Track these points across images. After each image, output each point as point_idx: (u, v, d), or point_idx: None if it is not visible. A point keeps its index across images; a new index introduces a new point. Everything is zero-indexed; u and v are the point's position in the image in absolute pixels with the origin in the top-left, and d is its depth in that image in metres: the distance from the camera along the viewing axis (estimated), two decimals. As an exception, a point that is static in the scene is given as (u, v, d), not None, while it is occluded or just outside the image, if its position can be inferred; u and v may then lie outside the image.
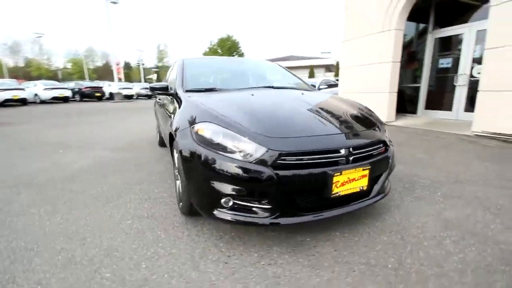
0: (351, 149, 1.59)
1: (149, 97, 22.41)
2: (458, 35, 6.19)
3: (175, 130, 1.91)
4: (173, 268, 1.45)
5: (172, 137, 2.08)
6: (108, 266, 1.46)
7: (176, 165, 1.95)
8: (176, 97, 2.42)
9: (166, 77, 4.56)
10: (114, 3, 19.50)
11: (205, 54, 27.95)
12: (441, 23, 6.62)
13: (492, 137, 4.57)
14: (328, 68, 40.62)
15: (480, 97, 4.75)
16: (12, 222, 1.96)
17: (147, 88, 23.97)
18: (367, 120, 2.02)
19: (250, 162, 1.47)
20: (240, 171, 1.47)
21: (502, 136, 4.47)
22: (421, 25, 7.01)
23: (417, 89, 7.06)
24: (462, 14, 6.33)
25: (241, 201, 1.53)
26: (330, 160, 1.53)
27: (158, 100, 3.82)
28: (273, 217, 1.51)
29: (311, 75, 35.97)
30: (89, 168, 3.29)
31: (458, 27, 6.20)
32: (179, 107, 2.17)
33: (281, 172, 1.45)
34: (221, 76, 3.08)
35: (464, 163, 3.32)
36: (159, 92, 2.57)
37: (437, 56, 6.67)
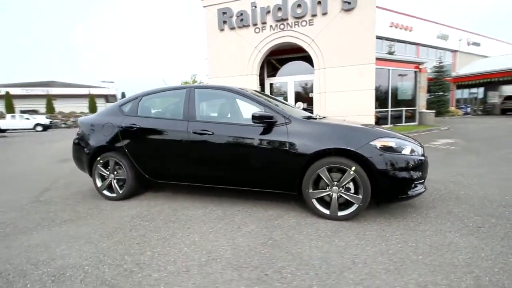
0: None
1: None
2: (282, 82, 9.76)
3: (356, 148, 2.36)
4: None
5: (308, 163, 2.49)
6: None
7: (352, 176, 2.38)
8: (288, 126, 2.68)
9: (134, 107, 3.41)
10: None
11: None
12: (273, 74, 10.01)
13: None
14: (107, 98, 37.70)
15: (317, 120, 8.15)
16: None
17: None
18: None
19: (420, 155, 2.55)
20: (421, 162, 2.48)
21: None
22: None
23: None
24: (278, 70, 10.04)
25: (417, 181, 2.46)
26: None
27: (138, 136, 3.19)
28: (423, 187, 2.55)
29: (92, 105, 31.40)
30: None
31: (281, 78, 9.79)
32: (305, 133, 2.60)
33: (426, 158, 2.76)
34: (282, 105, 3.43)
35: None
36: (267, 121, 2.66)
37: (273, 95, 9.91)
